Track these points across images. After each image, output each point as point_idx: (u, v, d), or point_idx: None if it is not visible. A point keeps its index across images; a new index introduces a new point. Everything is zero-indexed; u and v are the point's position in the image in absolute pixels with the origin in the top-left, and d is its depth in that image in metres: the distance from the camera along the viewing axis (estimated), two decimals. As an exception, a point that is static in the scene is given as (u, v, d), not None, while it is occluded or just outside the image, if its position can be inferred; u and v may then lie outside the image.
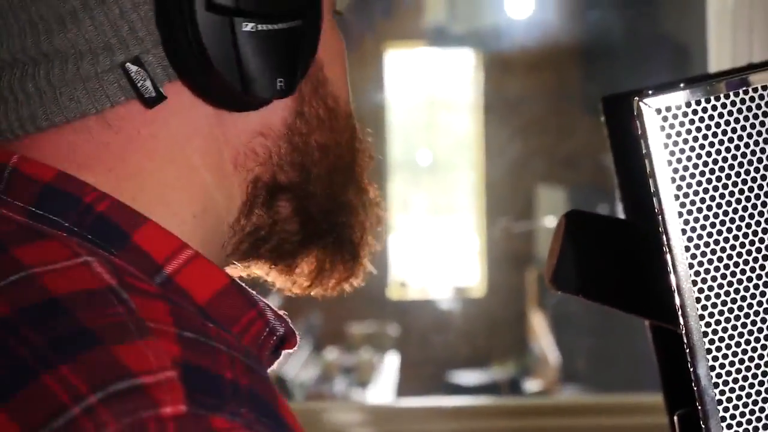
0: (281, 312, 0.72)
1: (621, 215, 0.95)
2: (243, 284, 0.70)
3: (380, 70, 7.03)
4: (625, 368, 5.59)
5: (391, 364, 6.07)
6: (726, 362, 0.66)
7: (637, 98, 0.66)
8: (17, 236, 0.64)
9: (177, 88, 0.69)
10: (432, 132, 7.57)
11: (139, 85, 0.67)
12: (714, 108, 0.66)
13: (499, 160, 6.89)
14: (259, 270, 0.79)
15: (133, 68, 0.67)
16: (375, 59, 7.00)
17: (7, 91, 0.69)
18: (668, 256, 0.66)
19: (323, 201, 0.76)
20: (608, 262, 0.81)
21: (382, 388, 5.66)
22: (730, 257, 0.66)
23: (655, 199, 0.66)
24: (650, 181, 0.66)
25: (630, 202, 0.95)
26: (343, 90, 0.77)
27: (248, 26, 0.66)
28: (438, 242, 7.36)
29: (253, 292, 0.71)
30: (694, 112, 0.66)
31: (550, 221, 6.20)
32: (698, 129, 0.66)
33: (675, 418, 0.82)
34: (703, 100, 0.66)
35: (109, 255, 0.65)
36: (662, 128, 0.66)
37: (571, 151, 6.52)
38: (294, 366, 5.76)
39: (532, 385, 6.01)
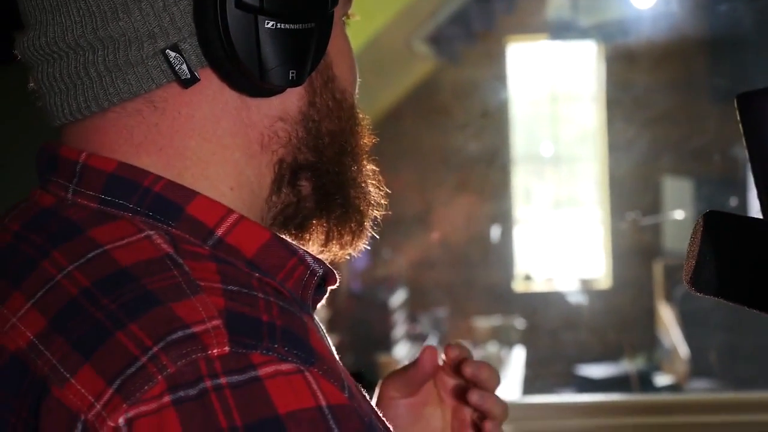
0: (318, 256, 0.84)
1: (754, 209, 0.94)
2: (283, 237, 0.82)
3: (503, 64, 7.01)
4: (757, 362, 5.49)
5: (517, 357, 6.05)
6: None
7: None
8: (92, 220, 0.77)
9: (208, 74, 0.80)
10: (555, 124, 7.52)
11: (176, 68, 0.78)
12: None
13: (623, 151, 6.81)
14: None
15: (172, 54, 0.78)
16: (498, 53, 6.99)
17: (67, 78, 0.80)
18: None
19: (335, 179, 0.88)
20: (748, 263, 0.80)
21: (510, 382, 5.65)
22: None
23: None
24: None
25: (768, 201, 0.94)
26: (349, 85, 0.89)
27: (269, 24, 0.77)
28: (562, 234, 7.31)
29: (293, 242, 0.82)
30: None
31: (678, 214, 6.12)
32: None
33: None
34: None
35: (168, 227, 0.77)
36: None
37: (698, 144, 6.41)
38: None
39: (662, 379, 5.93)
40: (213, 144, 0.81)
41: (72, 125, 0.82)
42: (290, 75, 0.79)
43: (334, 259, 0.91)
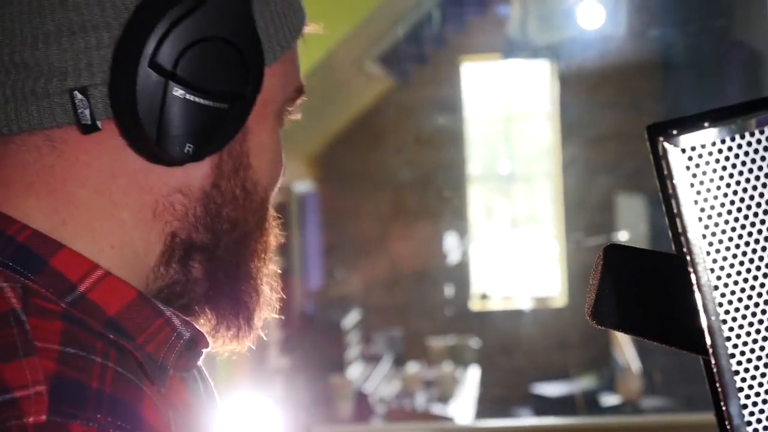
0: (187, 318, 0.82)
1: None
2: (150, 297, 0.80)
3: (457, 83, 7.05)
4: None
5: (472, 377, 6.05)
6: (759, 400, 0.66)
7: (661, 138, 0.66)
8: None
9: (112, 127, 0.77)
10: (509, 142, 7.55)
11: (79, 111, 0.75)
12: (740, 146, 0.63)
13: (578, 170, 6.84)
14: None
15: (78, 96, 0.75)
16: (452, 72, 7.01)
17: None
18: (697, 295, 0.65)
19: (229, 268, 0.84)
20: (647, 296, 0.80)
21: (464, 402, 5.65)
22: (759, 295, 0.65)
23: (683, 239, 0.66)
24: (677, 221, 0.66)
25: (676, 232, 0.94)
26: (265, 179, 0.86)
27: (178, 92, 0.75)
28: (518, 252, 7.33)
29: (160, 304, 0.80)
30: (720, 150, 0.64)
31: (622, 235, 6.15)
32: (724, 168, 0.64)
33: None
34: (728, 138, 0.64)
35: (26, 279, 0.75)
36: (688, 168, 0.65)
37: (649, 162, 6.46)
38: (375, 381, 5.78)
39: (613, 398, 5.95)
40: (104, 198, 0.78)
41: None
42: (186, 148, 0.77)
43: (223, 345, 0.88)
